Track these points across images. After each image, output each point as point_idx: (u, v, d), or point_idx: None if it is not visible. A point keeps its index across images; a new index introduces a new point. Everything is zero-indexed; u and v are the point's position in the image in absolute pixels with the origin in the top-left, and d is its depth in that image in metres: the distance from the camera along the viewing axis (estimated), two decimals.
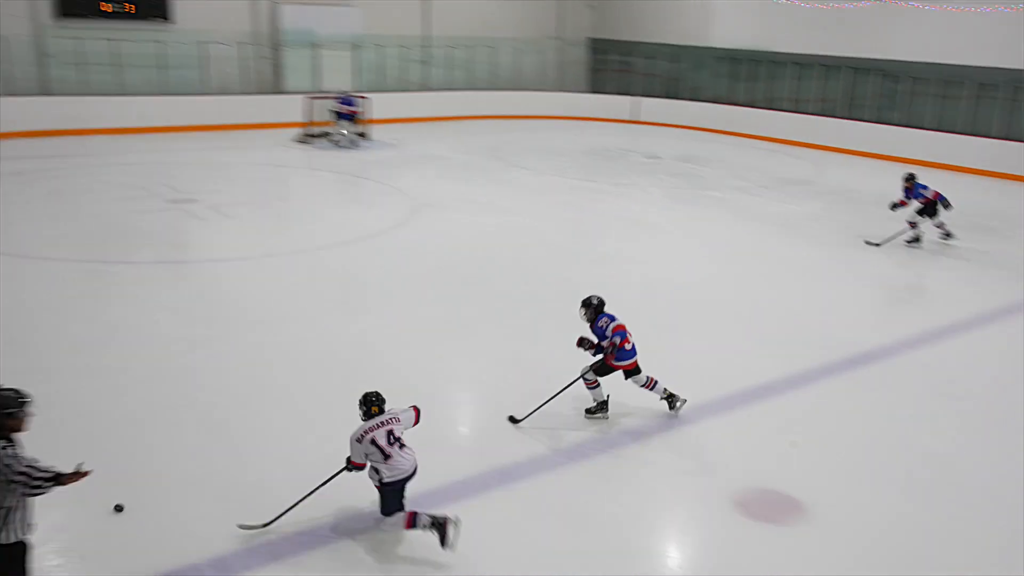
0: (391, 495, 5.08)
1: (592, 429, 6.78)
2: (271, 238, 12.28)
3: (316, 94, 20.60)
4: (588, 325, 6.84)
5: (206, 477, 5.82)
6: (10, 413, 3.78)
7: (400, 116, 22.94)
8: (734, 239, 13.19)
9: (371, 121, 20.55)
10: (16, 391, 3.86)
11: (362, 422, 5.12)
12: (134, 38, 20.11)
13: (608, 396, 6.94)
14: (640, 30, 26.69)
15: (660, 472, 6.25)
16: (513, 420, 6.82)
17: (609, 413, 6.95)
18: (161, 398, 6.97)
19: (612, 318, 6.80)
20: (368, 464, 5.09)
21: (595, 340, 6.78)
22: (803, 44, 22.83)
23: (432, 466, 5.52)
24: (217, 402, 6.97)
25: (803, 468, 6.34)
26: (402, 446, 5.09)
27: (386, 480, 5.03)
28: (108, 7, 19.90)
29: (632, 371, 6.89)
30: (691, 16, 25.46)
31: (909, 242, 12.96)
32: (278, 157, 18.28)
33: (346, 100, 19.88)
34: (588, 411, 6.96)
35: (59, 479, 3.80)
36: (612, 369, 6.83)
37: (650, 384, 6.96)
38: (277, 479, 5.74)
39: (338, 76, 22.65)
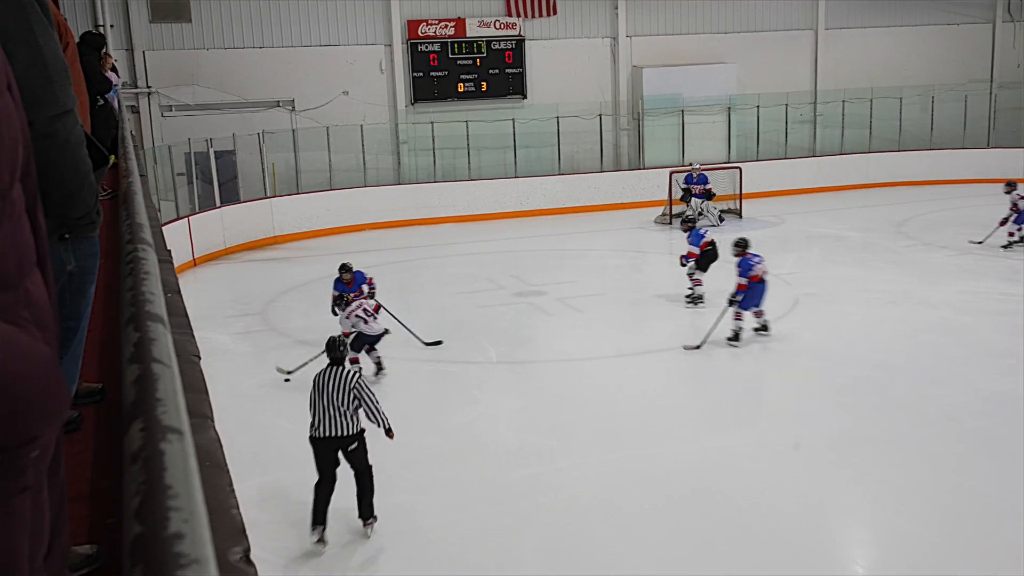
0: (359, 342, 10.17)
1: None
2: (625, 335, 12.58)
3: (679, 168, 21.01)
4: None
5: None
6: None
7: (779, 188, 22.61)
8: None
9: (743, 196, 20.50)
10: None
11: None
12: (487, 118, 22.10)
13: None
14: None
15: None
16: None
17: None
18: (497, 519, 7.31)
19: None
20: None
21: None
22: None
23: None
24: (560, 527, 7.15)
25: None
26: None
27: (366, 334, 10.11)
28: (462, 87, 22.21)
29: None
30: None
31: None
32: (636, 242, 18.85)
33: (690, 178, 19.91)
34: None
35: None
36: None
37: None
38: None
39: (707, 144, 22.99)
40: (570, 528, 7.16)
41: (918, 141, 24.63)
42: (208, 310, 13.26)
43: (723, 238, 18.49)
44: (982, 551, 6.57)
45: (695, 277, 13.43)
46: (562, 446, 8.74)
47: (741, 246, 11.48)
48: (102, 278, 2.55)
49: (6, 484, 0.86)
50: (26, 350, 0.87)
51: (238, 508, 1.28)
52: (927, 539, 6.86)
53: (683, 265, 13.56)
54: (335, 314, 11.09)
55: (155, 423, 0.87)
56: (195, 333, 2.06)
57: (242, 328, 11.72)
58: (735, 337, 11.38)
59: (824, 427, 8.96)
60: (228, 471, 1.39)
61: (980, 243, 16.25)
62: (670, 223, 20.04)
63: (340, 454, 7.07)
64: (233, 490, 1.34)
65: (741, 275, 11.34)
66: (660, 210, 20.58)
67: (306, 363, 10.23)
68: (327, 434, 6.99)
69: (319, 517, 6.94)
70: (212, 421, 1.56)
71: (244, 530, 1.23)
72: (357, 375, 7.34)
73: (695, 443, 8.69)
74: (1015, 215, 15.94)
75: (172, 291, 2.33)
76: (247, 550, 1.19)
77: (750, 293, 11.24)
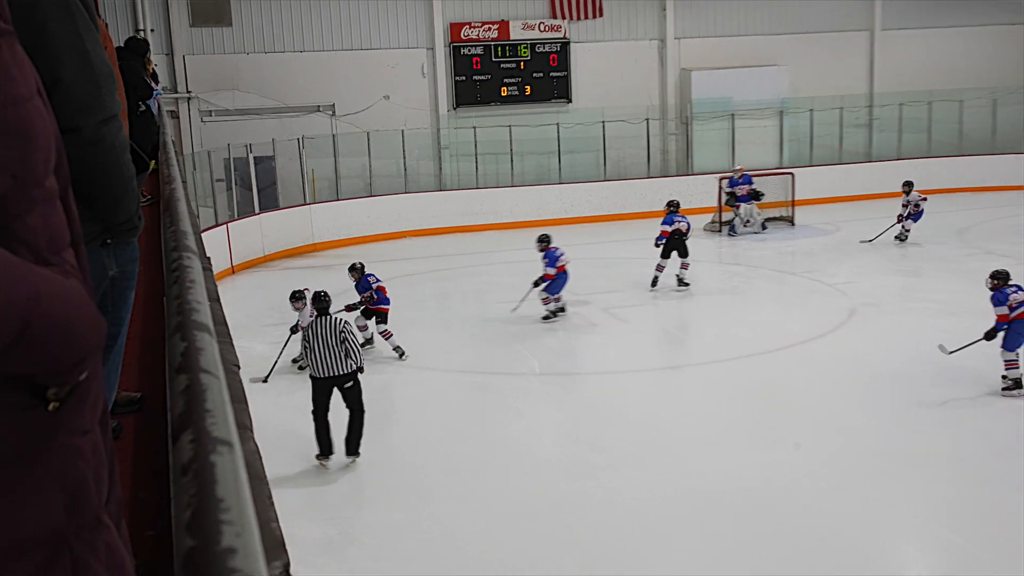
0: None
1: None
2: (672, 346, 12.55)
3: (728, 173, 20.90)
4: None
5: None
6: None
7: (834, 194, 22.40)
8: None
9: (796, 203, 20.33)
10: None
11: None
12: (531, 122, 22.08)
13: None
14: None
15: None
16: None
17: None
18: (537, 532, 7.31)
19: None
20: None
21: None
22: None
23: None
24: (602, 541, 7.14)
25: None
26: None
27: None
28: (506, 91, 22.24)
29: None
30: None
31: None
32: None
33: (734, 181, 19.83)
34: None
35: None
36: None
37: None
38: None
39: (758, 149, 22.84)
40: (612, 542, 7.14)
41: (980, 146, 24.25)
42: (245, 319, 13.41)
43: (770, 246, 18.45)
44: None
45: (546, 297, 13.49)
46: (605, 459, 8.72)
47: (999, 278, 10.44)
48: (140, 286, 2.59)
49: (71, 422, 1.02)
50: (65, 287, 1.03)
51: (278, 522, 1.30)
52: (982, 557, 6.76)
53: (535, 285, 13.48)
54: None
55: (205, 435, 0.88)
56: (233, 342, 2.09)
57: (278, 336, 11.81)
58: None
59: (878, 441, 8.85)
60: (268, 483, 1.41)
61: (871, 241, 17.72)
62: (719, 230, 19.96)
63: (336, 390, 8.57)
64: (272, 503, 1.36)
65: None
66: (709, 217, 20.46)
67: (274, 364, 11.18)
68: (326, 374, 8.53)
69: (325, 449, 8.50)
70: (251, 432, 1.59)
71: (284, 544, 1.25)
72: (343, 322, 8.91)
73: (740, 457, 8.62)
74: (913, 214, 17.60)
75: (212, 299, 2.37)
76: (287, 564, 1.21)
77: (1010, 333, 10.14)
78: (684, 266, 15.12)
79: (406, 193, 21.30)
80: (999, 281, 10.41)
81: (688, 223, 15.30)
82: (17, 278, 0.97)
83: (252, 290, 16.53)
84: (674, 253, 15.01)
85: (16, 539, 1.00)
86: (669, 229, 15.00)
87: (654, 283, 15.11)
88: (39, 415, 1.04)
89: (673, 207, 15.59)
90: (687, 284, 14.92)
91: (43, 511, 1.02)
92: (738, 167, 20.41)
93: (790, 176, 20.79)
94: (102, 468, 1.03)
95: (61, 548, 1.04)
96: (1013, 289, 10.26)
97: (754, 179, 19.83)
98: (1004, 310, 9.99)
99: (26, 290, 0.97)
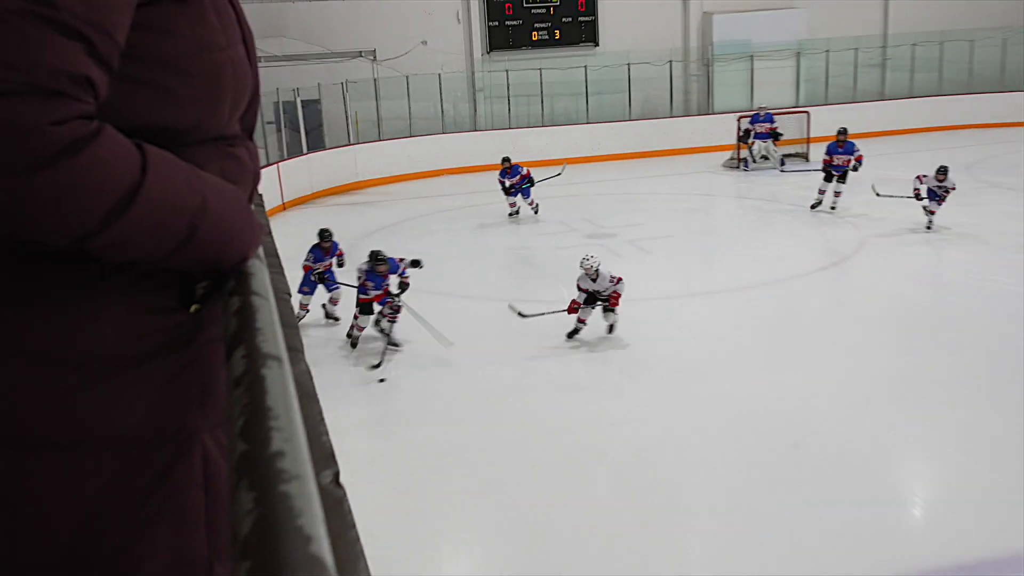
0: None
1: None
2: (693, 276, 12.49)
3: (747, 112, 20.63)
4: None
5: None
6: None
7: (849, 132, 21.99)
8: None
9: (812, 140, 20.03)
10: None
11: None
12: (560, 65, 21.86)
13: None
14: None
15: None
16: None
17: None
18: (568, 448, 7.38)
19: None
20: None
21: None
22: None
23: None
24: (628, 457, 7.20)
25: None
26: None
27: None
28: (536, 35, 21.97)
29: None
30: None
31: None
32: (704, 185, 18.58)
33: (756, 117, 19.55)
34: None
35: None
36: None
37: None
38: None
39: (776, 90, 22.48)
40: (638, 458, 7.19)
41: (989, 84, 23.70)
42: (296, 251, 13.47)
43: (785, 181, 18.23)
44: None
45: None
46: (630, 380, 8.75)
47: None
48: None
49: (208, 327, 1.14)
50: (228, 193, 1.10)
51: (328, 435, 1.31)
52: (986, 475, 6.75)
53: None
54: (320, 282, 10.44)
55: (256, 350, 0.89)
56: (285, 273, 2.10)
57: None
58: None
59: (890, 365, 8.81)
60: (318, 401, 1.43)
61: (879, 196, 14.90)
62: (738, 167, 19.76)
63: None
64: (323, 419, 1.37)
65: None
66: (728, 154, 20.26)
67: (543, 313, 9.87)
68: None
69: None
70: (303, 354, 1.59)
71: (334, 455, 1.26)
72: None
73: (761, 379, 8.61)
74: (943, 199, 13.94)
75: (264, 232, 2.37)
76: (337, 474, 1.23)
77: None
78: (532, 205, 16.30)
79: (443, 134, 21.21)
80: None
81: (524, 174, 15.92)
82: (187, 184, 1.01)
83: (302, 225, 16.57)
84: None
85: (156, 430, 1.04)
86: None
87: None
88: (181, 316, 1.09)
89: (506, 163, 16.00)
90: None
91: (180, 407, 1.08)
92: (763, 105, 20.11)
93: (806, 115, 20.50)
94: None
95: (194, 442, 1.09)
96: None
97: (774, 117, 19.55)
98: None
99: (194, 196, 1.01)
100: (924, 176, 13.55)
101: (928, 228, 13.57)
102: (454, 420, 8.04)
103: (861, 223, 14.34)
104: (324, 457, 1.23)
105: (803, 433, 7.38)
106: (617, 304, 9.44)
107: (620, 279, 9.38)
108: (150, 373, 1.05)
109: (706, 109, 22.79)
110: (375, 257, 9.48)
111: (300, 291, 10.30)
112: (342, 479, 1.23)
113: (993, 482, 6.60)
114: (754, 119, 19.51)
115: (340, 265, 10.64)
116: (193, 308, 1.11)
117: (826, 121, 20.93)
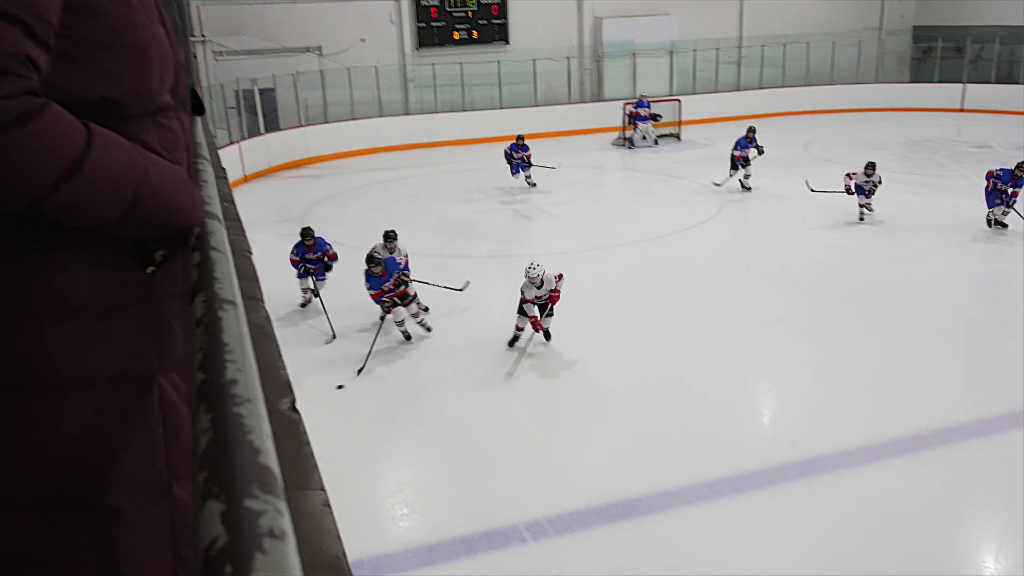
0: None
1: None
2: (588, 234, 12.56)
3: (631, 100, 20.74)
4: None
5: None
6: None
7: (711, 116, 22.34)
8: None
9: (683, 123, 20.25)
10: None
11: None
12: (477, 60, 21.60)
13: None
14: (971, 13, 23.55)
15: None
16: None
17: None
18: (491, 372, 7.41)
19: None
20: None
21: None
22: None
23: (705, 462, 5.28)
24: (540, 382, 7.27)
25: None
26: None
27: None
28: (457, 35, 21.62)
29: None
30: None
31: None
32: (597, 160, 18.64)
33: (641, 103, 19.76)
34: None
35: None
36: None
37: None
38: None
39: (654, 82, 22.59)
40: (549, 383, 7.28)
41: (821, 78, 24.31)
42: (257, 216, 13.13)
43: (662, 156, 18.43)
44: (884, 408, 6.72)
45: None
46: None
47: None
48: None
49: (164, 284, 1.09)
50: (170, 169, 1.06)
51: (285, 370, 1.27)
52: (832, 396, 7.01)
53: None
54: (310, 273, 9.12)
55: (214, 296, 0.85)
56: (247, 234, 2.02)
57: (285, 231, 11.61)
58: None
59: (750, 306, 9.05)
60: (277, 341, 1.38)
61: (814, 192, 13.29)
62: (624, 145, 19.92)
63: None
64: (281, 356, 1.33)
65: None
66: (615, 135, 20.41)
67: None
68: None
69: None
70: (262, 303, 1.54)
71: (290, 386, 1.22)
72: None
73: (646, 317, 8.77)
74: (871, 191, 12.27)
75: (227, 201, 2.28)
76: (293, 401, 1.19)
77: None
78: None
79: (380, 117, 20.80)
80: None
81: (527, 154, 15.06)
82: (129, 158, 0.98)
83: (261, 195, 16.19)
84: None
85: (119, 372, 1.01)
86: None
87: None
88: (139, 275, 1.05)
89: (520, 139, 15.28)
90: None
91: (139, 352, 1.04)
92: (644, 93, 20.31)
93: (678, 102, 20.71)
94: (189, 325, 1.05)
95: (153, 383, 1.05)
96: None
97: (652, 104, 19.78)
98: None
99: (137, 168, 0.98)
100: (853, 173, 12.21)
101: (861, 220, 12.15)
102: (398, 359, 7.99)
103: (719, 191, 14.59)
104: (282, 387, 1.19)
105: (676, 359, 7.54)
106: (557, 300, 8.01)
107: (561, 275, 7.97)
108: (114, 323, 1.01)
109: (597, 97, 22.79)
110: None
111: (298, 278, 9.23)
112: (299, 406, 1.19)
113: (819, 392, 6.87)
114: (637, 105, 19.67)
115: (328, 269, 9.17)
116: (149, 269, 1.06)
117: (694, 107, 21.21)
